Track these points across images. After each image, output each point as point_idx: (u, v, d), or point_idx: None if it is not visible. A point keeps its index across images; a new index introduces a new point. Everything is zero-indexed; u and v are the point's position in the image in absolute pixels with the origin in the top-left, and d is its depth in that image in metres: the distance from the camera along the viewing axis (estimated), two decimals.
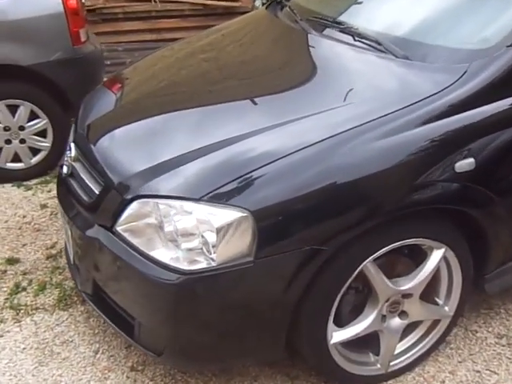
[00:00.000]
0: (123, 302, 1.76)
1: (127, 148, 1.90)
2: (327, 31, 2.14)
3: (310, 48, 2.17)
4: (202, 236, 1.55)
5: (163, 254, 1.60)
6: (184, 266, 1.56)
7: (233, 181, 1.56)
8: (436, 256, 1.76)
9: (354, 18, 2.19)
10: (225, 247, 1.53)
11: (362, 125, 1.63)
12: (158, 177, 1.66)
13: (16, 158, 3.20)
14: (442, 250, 1.76)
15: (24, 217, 2.84)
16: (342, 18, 2.18)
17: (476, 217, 1.73)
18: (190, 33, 4.13)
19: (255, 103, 1.93)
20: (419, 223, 1.71)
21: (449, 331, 1.98)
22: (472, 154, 1.64)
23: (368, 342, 1.86)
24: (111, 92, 2.36)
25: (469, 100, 1.65)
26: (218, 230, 1.52)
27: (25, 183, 3.17)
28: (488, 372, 1.95)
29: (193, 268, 1.55)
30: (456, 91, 1.66)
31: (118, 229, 1.68)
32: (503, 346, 2.05)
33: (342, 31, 2.08)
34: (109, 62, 4.40)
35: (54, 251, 2.57)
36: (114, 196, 1.72)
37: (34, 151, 3.24)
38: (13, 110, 3.09)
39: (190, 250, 1.57)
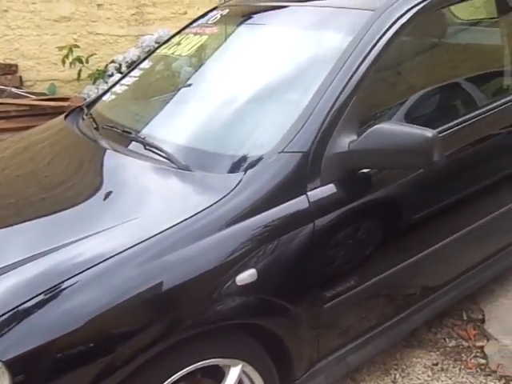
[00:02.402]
0: None
1: None
2: (119, 141, 2.06)
3: (101, 160, 2.04)
4: None
5: None
6: None
7: None
8: (233, 374, 1.66)
9: (146, 125, 2.15)
10: None
11: (139, 243, 1.53)
12: None
13: None
14: (239, 367, 1.66)
15: None
16: (134, 126, 2.12)
17: (268, 327, 1.67)
18: (18, 134, 3.93)
19: (26, 227, 1.75)
20: (207, 343, 1.60)
21: None
22: (252, 265, 1.60)
23: None
24: None
25: (245, 210, 1.62)
26: None
27: None
28: None
29: None
30: (232, 201, 1.63)
31: None
32: None
33: (133, 140, 2.03)
34: None
35: None
36: None
37: None
38: None
39: None
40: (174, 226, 1.56)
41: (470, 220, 2.26)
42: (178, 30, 2.79)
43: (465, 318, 2.52)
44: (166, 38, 4.73)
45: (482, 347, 2.37)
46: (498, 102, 2.31)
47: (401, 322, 2.14)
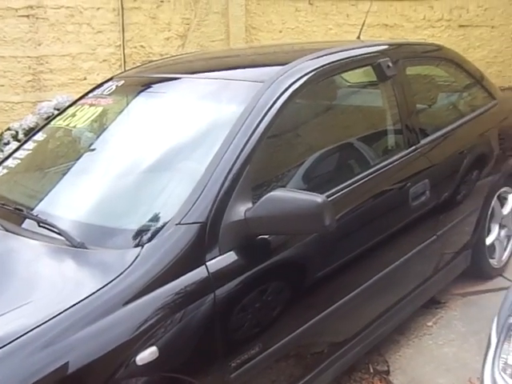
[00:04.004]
0: None
1: None
2: (11, 219, 1.97)
3: None
4: None
5: None
6: None
7: None
8: None
9: (41, 202, 2.08)
10: None
11: (31, 330, 1.45)
12: None
13: None
14: None
15: None
16: (27, 203, 2.06)
17: None
18: None
19: None
20: None
21: None
22: (153, 342, 1.56)
23: None
24: None
25: (143, 286, 1.60)
26: None
27: None
28: None
29: None
30: (129, 278, 1.59)
31: None
32: None
33: (26, 218, 1.96)
34: None
35: None
36: None
37: None
38: None
39: None
40: (67, 309, 1.50)
41: (369, 274, 2.35)
42: (77, 95, 2.77)
43: (371, 370, 2.58)
44: (65, 104, 4.67)
45: None
46: (384, 162, 2.46)
47: (311, 381, 2.16)
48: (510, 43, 6.91)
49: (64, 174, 2.23)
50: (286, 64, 2.29)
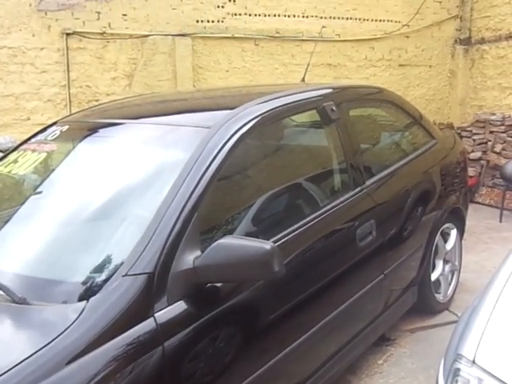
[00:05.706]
0: None
1: None
2: None
3: None
4: None
5: None
6: None
7: None
8: None
9: None
10: None
11: None
12: None
13: None
14: None
15: None
16: None
17: None
18: None
19: None
20: None
21: None
22: None
23: None
24: None
25: (88, 343, 1.53)
26: None
27: None
28: None
29: None
30: (73, 335, 1.53)
31: None
32: None
33: None
34: None
35: None
36: None
37: None
38: None
39: None
40: (5, 372, 1.42)
41: (320, 316, 2.36)
42: (21, 135, 2.71)
43: None
44: (7, 145, 4.53)
45: None
46: (331, 204, 2.50)
47: None
48: (447, 81, 7.27)
49: (4, 223, 2.15)
50: (233, 109, 2.31)
